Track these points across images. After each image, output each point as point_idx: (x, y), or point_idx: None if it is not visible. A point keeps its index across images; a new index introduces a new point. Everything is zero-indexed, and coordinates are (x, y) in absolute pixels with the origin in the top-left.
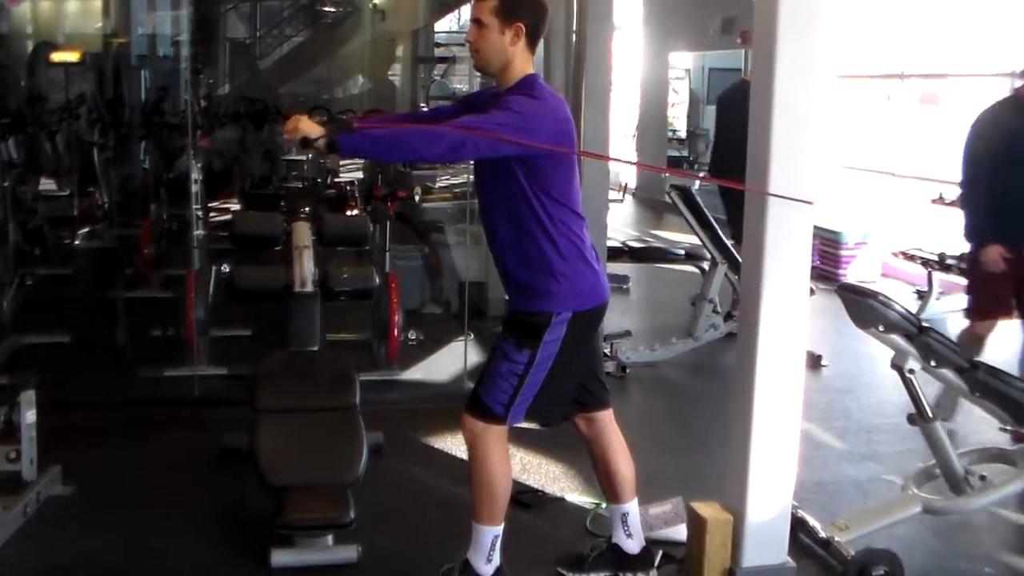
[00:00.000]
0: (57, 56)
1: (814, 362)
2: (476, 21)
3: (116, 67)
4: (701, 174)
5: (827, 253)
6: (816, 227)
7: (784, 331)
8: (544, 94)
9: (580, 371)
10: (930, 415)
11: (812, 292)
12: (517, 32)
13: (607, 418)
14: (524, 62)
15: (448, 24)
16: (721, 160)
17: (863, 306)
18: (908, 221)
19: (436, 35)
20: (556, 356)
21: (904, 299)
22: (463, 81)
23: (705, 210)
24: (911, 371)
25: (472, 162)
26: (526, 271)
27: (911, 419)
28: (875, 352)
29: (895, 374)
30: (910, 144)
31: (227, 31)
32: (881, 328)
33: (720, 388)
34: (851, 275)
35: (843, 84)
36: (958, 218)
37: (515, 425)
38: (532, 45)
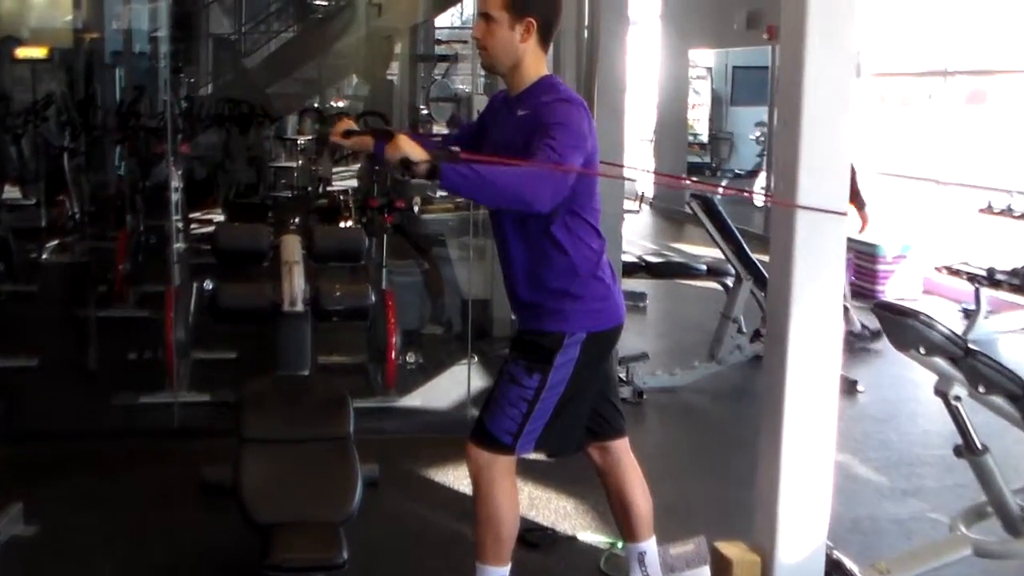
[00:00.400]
0: (22, 52)
1: (849, 388)
2: (484, 16)
3: (88, 65)
4: (723, 184)
5: (863, 268)
6: (850, 239)
7: (816, 353)
8: (571, 95)
9: (593, 397)
10: (980, 447)
11: (846, 311)
12: (528, 28)
13: (622, 448)
14: (536, 62)
15: (450, 19)
16: None
17: (903, 326)
18: (953, 232)
19: (437, 31)
20: (568, 380)
21: (949, 318)
22: (466, 81)
23: (728, 221)
24: (957, 398)
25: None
26: (538, 289)
27: (958, 451)
28: (917, 377)
29: (939, 401)
30: (955, 147)
31: (210, 26)
32: (923, 351)
33: (746, 416)
34: (889, 292)
35: (880, 83)
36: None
37: (523, 456)
38: (544, 43)
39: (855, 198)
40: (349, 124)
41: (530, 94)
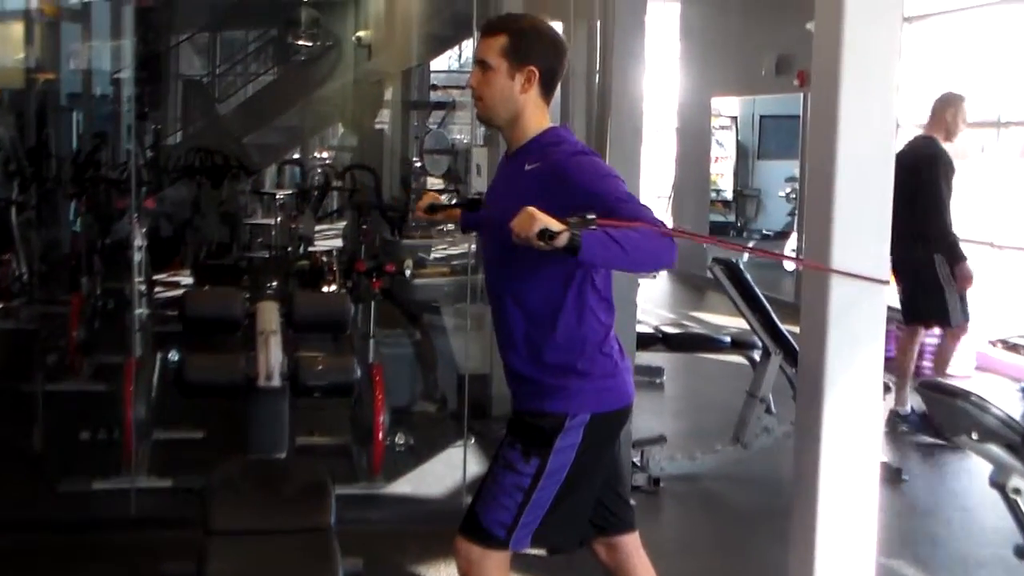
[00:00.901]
0: None
1: (892, 477)
2: (480, 63)
3: (40, 108)
4: (750, 244)
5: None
6: (891, 309)
7: (853, 437)
8: (585, 147)
9: (598, 486)
10: None
11: (887, 389)
12: (529, 77)
13: (632, 544)
14: (538, 114)
15: (447, 63)
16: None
17: (952, 408)
18: (1010, 302)
19: (432, 76)
20: (570, 467)
21: (1006, 399)
22: (464, 131)
23: (755, 287)
24: (1016, 491)
25: (475, 233)
26: (538, 363)
27: (1019, 551)
28: (969, 465)
29: (995, 493)
30: (1011, 206)
31: (180, 67)
32: (976, 436)
33: (776, 507)
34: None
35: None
36: None
37: (519, 552)
38: (547, 94)
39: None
40: (435, 198)
41: (536, 146)
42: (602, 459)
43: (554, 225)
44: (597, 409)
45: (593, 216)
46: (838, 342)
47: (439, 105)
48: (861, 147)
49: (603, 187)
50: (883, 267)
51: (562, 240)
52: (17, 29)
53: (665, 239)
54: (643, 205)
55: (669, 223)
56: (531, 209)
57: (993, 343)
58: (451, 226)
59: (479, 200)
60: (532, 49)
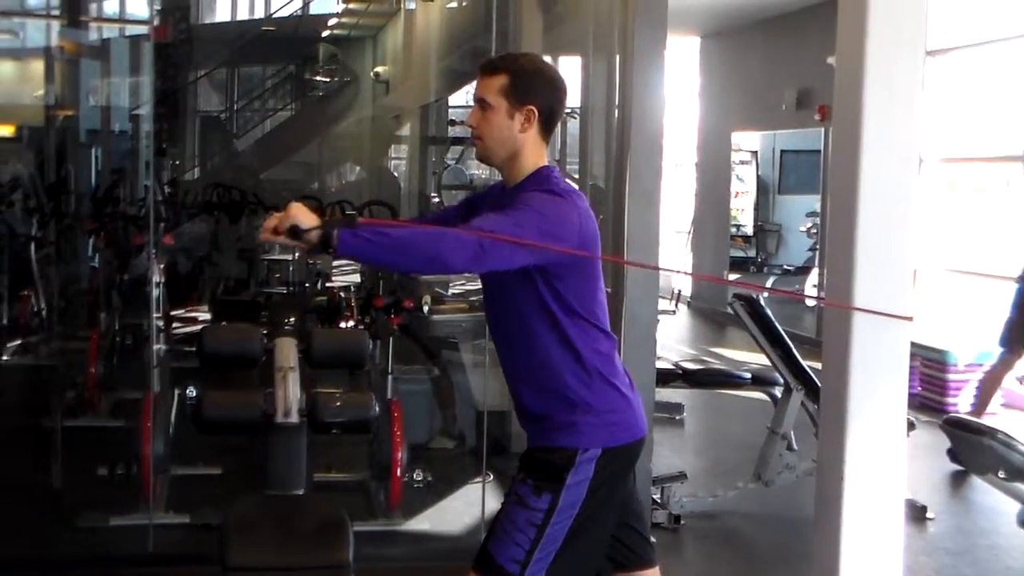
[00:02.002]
0: None
1: (917, 515)
2: (480, 102)
3: (60, 144)
4: (771, 281)
5: (930, 377)
6: (915, 345)
7: (876, 474)
8: (564, 188)
9: (613, 522)
10: None
11: (912, 426)
12: (528, 117)
13: None
14: (536, 153)
15: (465, 98)
16: None
17: (978, 446)
18: None
19: (450, 111)
20: (582, 503)
21: None
22: (481, 167)
23: (776, 323)
24: None
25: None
26: (544, 399)
27: None
28: (996, 503)
29: None
30: None
31: (198, 103)
32: (1003, 474)
33: (798, 546)
34: (962, 405)
35: (949, 169)
36: None
37: None
38: (546, 133)
39: None
40: (295, 204)
41: (524, 185)
42: (615, 494)
43: (305, 222)
44: (608, 443)
45: (354, 213)
46: (861, 378)
47: (457, 140)
48: (884, 182)
49: (512, 209)
50: (906, 303)
51: (313, 236)
52: (37, 67)
53: (443, 247)
54: (525, 226)
55: (688, 259)
56: (294, 205)
57: (1021, 379)
58: None
59: (351, 216)
60: (532, 88)
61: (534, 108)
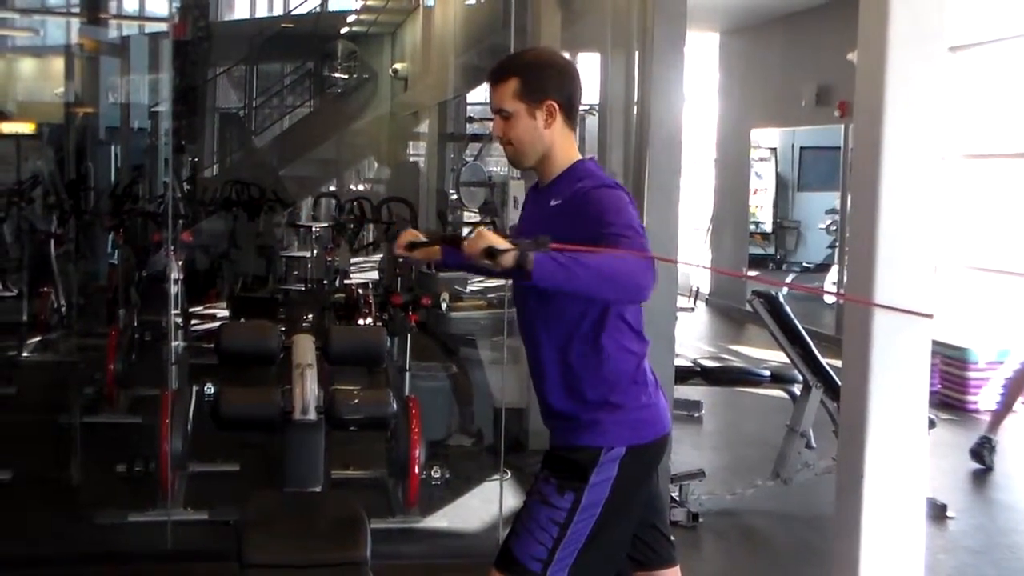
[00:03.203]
0: (7, 127)
1: (937, 513)
2: (499, 112)
3: (80, 142)
4: (790, 278)
5: (951, 375)
6: (936, 343)
7: (896, 473)
8: (611, 179)
9: (636, 521)
10: None
11: (932, 424)
12: (550, 111)
13: None
14: (567, 145)
15: (483, 95)
16: None
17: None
18: None
19: (469, 108)
20: (605, 501)
21: None
22: (500, 164)
23: (795, 321)
24: None
25: None
26: (571, 397)
27: None
28: (1017, 501)
29: None
30: None
31: (216, 100)
32: None
33: (817, 543)
34: (982, 403)
35: (972, 165)
36: None
37: None
38: (571, 121)
39: None
40: (414, 236)
41: (562, 182)
42: (639, 493)
43: (501, 244)
44: (632, 442)
45: (547, 238)
46: (881, 376)
47: (475, 137)
48: (905, 178)
49: (612, 218)
50: (928, 300)
51: (508, 259)
52: (58, 64)
53: (638, 272)
54: (642, 240)
55: (707, 256)
56: (482, 229)
57: None
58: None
59: (459, 237)
60: (544, 83)
61: (553, 102)
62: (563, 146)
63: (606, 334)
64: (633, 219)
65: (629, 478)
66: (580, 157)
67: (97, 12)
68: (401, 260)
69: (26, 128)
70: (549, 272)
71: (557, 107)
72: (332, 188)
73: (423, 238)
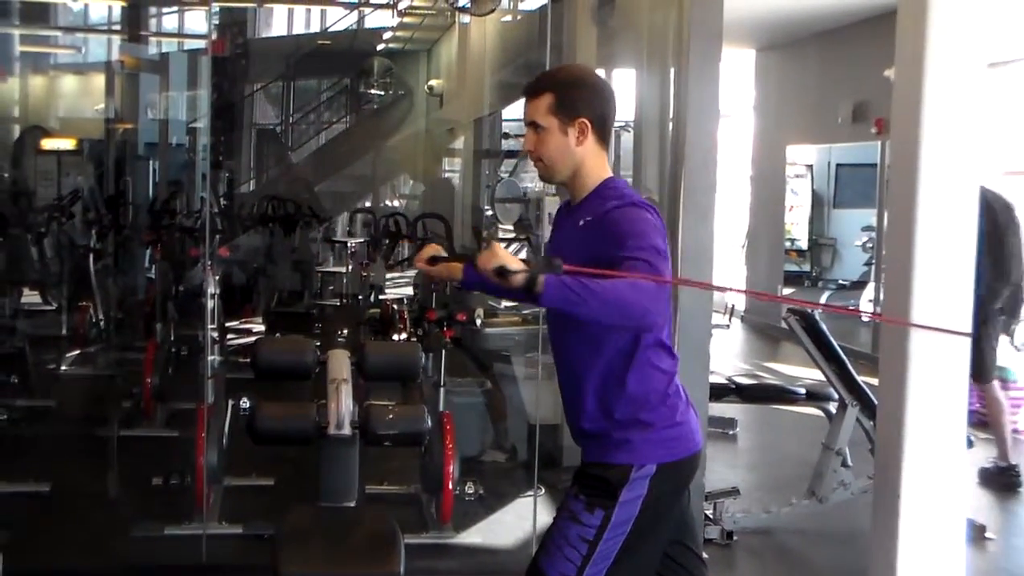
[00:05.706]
0: (48, 143)
1: (976, 534)
2: (532, 125)
3: (119, 157)
4: (826, 296)
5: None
6: None
7: (934, 493)
8: (640, 199)
9: (665, 539)
10: None
11: (970, 444)
12: (582, 129)
13: None
14: (598, 163)
15: (518, 112)
16: None
17: None
18: None
19: (504, 124)
20: (636, 520)
21: None
22: (535, 180)
23: (831, 338)
24: None
25: None
26: (601, 415)
27: None
28: None
29: None
30: None
31: (254, 116)
32: None
33: (853, 563)
34: (1021, 423)
35: (1011, 182)
36: None
37: None
38: (603, 141)
39: None
40: (436, 250)
41: (592, 200)
42: (669, 512)
43: (513, 264)
44: (663, 459)
45: (560, 260)
46: (918, 394)
47: (511, 154)
48: (943, 196)
49: (632, 241)
50: (965, 319)
51: (518, 280)
52: (98, 81)
53: (645, 299)
54: (661, 263)
55: (743, 273)
56: (494, 245)
57: None
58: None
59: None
60: (579, 100)
61: (585, 120)
62: (594, 164)
63: (638, 352)
64: (656, 240)
65: (659, 496)
66: (611, 175)
67: (137, 30)
68: (424, 273)
69: (67, 144)
70: (558, 295)
71: (589, 125)
72: (367, 204)
73: (444, 254)
